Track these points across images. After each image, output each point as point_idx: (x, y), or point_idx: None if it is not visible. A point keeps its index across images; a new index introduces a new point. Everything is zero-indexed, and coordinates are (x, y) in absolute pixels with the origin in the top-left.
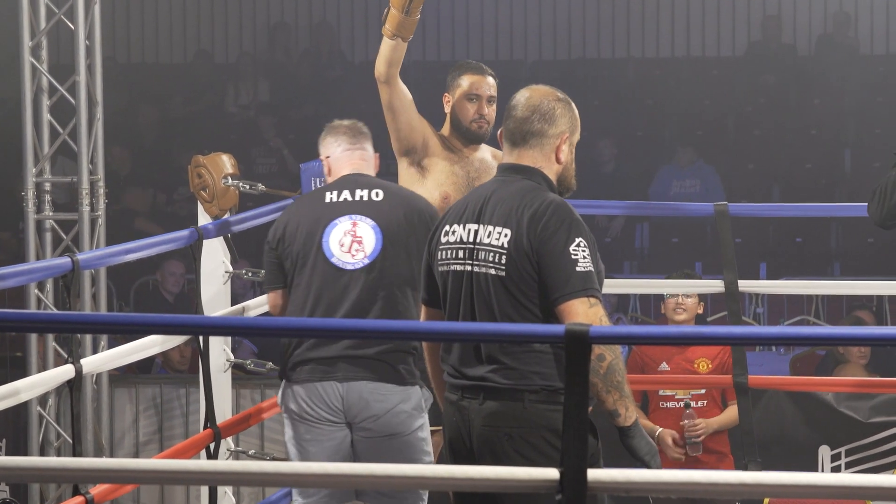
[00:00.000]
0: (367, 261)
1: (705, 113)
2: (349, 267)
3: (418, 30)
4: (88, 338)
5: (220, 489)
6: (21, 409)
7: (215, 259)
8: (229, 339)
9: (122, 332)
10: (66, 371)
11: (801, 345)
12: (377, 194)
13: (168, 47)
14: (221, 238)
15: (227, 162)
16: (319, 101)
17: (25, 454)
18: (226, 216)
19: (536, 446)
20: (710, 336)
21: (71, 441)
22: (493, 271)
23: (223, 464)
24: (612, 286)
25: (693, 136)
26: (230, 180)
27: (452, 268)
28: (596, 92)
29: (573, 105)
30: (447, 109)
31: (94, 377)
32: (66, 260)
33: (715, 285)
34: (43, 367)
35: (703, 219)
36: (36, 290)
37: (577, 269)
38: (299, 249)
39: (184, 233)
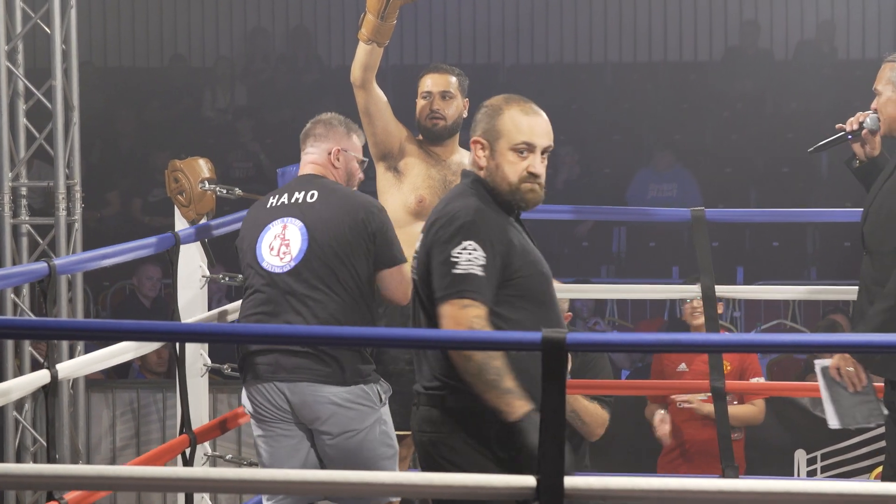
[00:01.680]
0: (293, 263)
1: (683, 117)
2: (277, 270)
3: (396, 33)
4: (65, 343)
5: (197, 494)
6: None
7: (192, 264)
8: (206, 343)
9: (99, 339)
10: (42, 376)
11: (778, 352)
12: (311, 195)
13: (145, 51)
14: (198, 243)
15: (203, 166)
16: (296, 106)
17: (1, 460)
18: (203, 220)
19: (459, 451)
20: (687, 344)
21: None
22: (416, 277)
23: (200, 471)
24: (590, 291)
25: (670, 141)
26: (207, 185)
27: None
28: (574, 96)
29: (506, 111)
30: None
31: (71, 382)
32: (42, 265)
33: (691, 290)
34: (19, 373)
35: (681, 223)
36: (12, 295)
37: (455, 271)
38: (245, 257)
39: (161, 238)
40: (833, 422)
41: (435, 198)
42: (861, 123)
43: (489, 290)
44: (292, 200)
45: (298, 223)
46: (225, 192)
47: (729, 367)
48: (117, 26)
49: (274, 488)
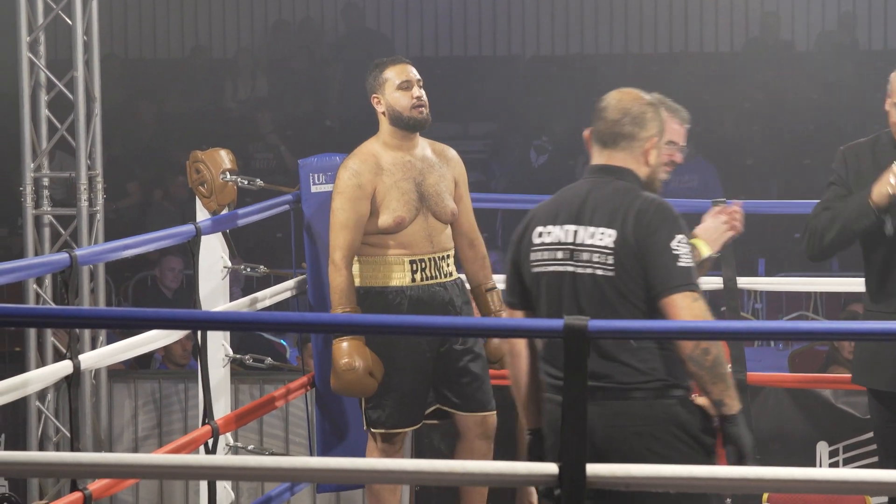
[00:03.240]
0: None
1: (704, 109)
2: None
3: (415, 25)
4: (87, 333)
5: (220, 484)
6: (20, 404)
7: (214, 254)
8: (228, 334)
9: (121, 327)
10: (65, 367)
11: (799, 339)
12: None
13: (166, 42)
14: (220, 234)
15: (225, 157)
16: (317, 98)
17: (24, 449)
18: (224, 211)
19: (666, 442)
20: (708, 331)
21: (69, 436)
22: (599, 272)
23: (222, 458)
24: None
25: (691, 132)
26: (228, 176)
27: (550, 269)
28: (594, 87)
29: (661, 109)
30: (381, 110)
31: (93, 372)
32: (64, 256)
33: (713, 282)
34: (42, 363)
35: (702, 214)
36: (34, 286)
37: (679, 264)
38: None
39: (182, 229)
40: None
41: (410, 207)
42: None
43: None
44: None
45: None
46: (246, 182)
47: None
48: (138, 17)
49: (296, 476)
